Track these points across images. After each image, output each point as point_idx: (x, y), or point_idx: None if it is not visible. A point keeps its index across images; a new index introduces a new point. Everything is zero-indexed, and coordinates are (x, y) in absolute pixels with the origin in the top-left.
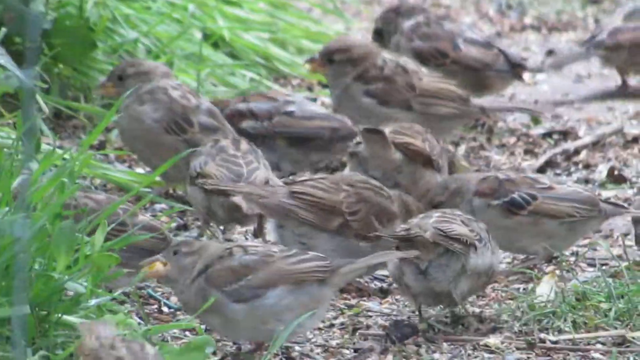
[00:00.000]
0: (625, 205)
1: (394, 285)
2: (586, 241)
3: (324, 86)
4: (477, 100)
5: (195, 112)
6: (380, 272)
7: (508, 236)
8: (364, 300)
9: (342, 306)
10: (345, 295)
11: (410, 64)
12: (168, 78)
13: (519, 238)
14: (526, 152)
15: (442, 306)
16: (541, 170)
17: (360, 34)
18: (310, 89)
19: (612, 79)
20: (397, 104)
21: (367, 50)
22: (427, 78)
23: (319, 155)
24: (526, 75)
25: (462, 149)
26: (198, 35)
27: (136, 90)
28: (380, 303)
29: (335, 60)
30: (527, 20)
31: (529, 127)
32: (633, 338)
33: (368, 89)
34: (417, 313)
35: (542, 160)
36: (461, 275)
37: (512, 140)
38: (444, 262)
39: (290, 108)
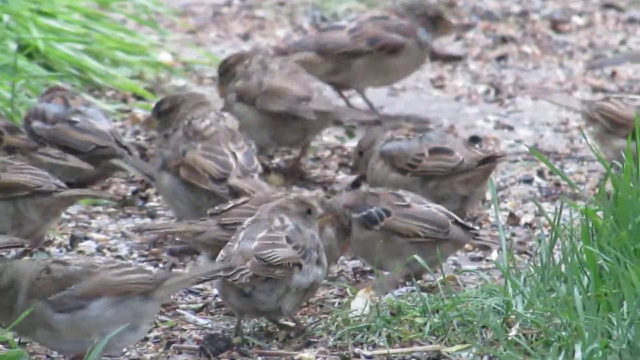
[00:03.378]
0: (476, 230)
1: (217, 298)
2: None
3: (139, 98)
4: (313, 104)
5: None
6: (197, 286)
7: (366, 250)
8: (180, 310)
9: (157, 319)
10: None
11: (274, 63)
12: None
13: (374, 253)
14: (341, 165)
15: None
16: (356, 184)
17: (174, 45)
18: (124, 100)
19: (425, 91)
20: (248, 101)
21: (239, 55)
22: (279, 77)
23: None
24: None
25: (276, 161)
26: (13, 46)
27: None
28: (195, 314)
29: (222, 73)
30: None
31: (343, 140)
32: (448, 353)
33: (233, 86)
34: (232, 327)
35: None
36: (286, 294)
37: (327, 153)
38: (268, 286)
39: (75, 118)
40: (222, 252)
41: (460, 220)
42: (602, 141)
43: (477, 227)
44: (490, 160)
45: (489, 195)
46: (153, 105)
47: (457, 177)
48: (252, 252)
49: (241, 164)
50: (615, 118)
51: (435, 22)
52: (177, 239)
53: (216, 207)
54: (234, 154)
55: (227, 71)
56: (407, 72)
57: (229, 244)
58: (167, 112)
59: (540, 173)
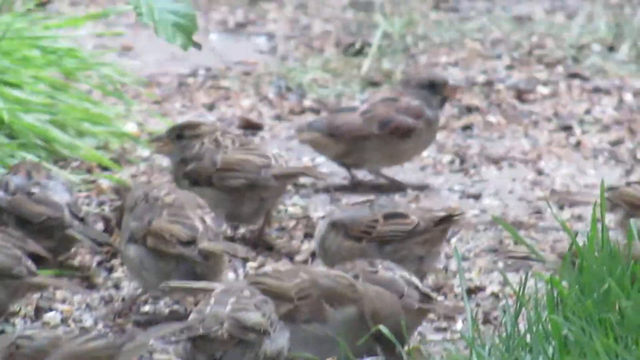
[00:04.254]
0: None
1: None
2: None
3: (104, 169)
4: (274, 170)
5: None
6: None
7: None
8: None
9: None
10: None
11: (227, 138)
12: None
13: None
14: (306, 235)
15: None
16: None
17: (140, 115)
18: (89, 171)
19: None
20: (204, 182)
21: (212, 128)
22: (232, 151)
23: (47, 242)
24: None
25: (241, 231)
26: None
27: None
28: None
29: (185, 136)
30: (307, 102)
31: (306, 209)
32: None
33: (185, 170)
34: None
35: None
36: None
37: (292, 223)
38: (239, 351)
39: (34, 189)
40: (192, 314)
41: (422, 287)
42: (622, 225)
43: (440, 297)
44: (447, 220)
45: (453, 266)
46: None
47: (414, 239)
48: (227, 315)
49: (210, 227)
50: (635, 201)
51: (437, 90)
52: (142, 310)
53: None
54: (201, 218)
55: (191, 139)
56: (417, 153)
57: (199, 307)
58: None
59: (506, 243)
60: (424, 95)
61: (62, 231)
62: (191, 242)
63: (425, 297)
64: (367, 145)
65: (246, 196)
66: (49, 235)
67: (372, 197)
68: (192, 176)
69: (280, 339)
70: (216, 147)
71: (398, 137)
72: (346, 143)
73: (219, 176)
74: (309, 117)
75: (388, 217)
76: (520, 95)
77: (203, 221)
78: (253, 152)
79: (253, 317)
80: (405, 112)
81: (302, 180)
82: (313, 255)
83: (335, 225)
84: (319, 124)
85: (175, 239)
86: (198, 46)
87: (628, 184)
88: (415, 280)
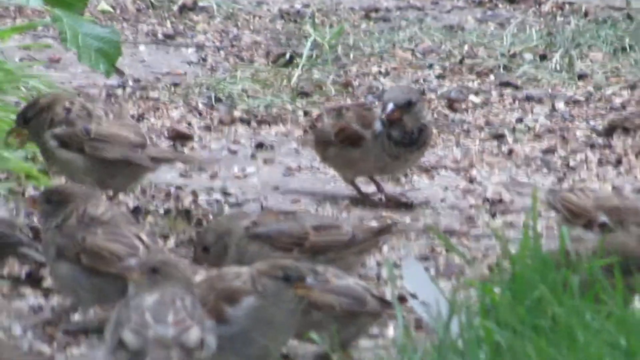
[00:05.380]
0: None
1: None
2: None
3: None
4: (150, 150)
5: None
6: None
7: None
8: None
9: None
10: None
11: (98, 109)
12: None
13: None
14: None
15: None
16: None
17: None
18: (18, 182)
19: (321, 170)
20: (74, 148)
21: (55, 96)
22: (107, 123)
23: None
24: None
25: (171, 242)
26: None
27: None
28: None
29: (30, 118)
30: (237, 113)
31: None
32: None
33: (54, 132)
34: None
35: None
36: None
37: None
38: None
39: None
40: (130, 335)
41: (375, 293)
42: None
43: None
44: (387, 230)
45: (385, 273)
46: None
47: (350, 250)
48: (172, 340)
49: (148, 243)
50: (573, 208)
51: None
52: (72, 319)
53: None
54: (137, 235)
55: (38, 117)
56: (366, 164)
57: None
58: (56, 202)
59: (437, 251)
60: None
61: (13, 249)
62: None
63: (383, 303)
64: (329, 152)
65: (119, 170)
66: None
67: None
68: (62, 139)
69: (212, 342)
70: (88, 115)
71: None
72: (318, 148)
73: (92, 145)
74: (239, 128)
75: (319, 228)
76: (452, 104)
77: (140, 239)
78: (129, 128)
79: (194, 337)
80: (357, 121)
81: None
82: None
83: (258, 237)
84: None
85: (115, 257)
86: (121, 73)
87: (570, 189)
88: (367, 285)
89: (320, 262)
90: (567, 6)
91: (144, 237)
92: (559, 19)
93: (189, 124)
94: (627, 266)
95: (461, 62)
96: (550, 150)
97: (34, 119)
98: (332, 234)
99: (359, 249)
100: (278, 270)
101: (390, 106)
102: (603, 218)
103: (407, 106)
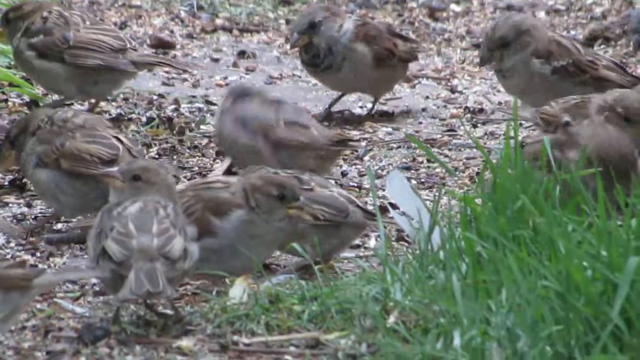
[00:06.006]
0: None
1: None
2: None
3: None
4: (132, 54)
5: None
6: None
7: None
8: (57, 299)
9: (34, 308)
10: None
11: (75, 16)
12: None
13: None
14: (218, 153)
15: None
16: (230, 171)
17: None
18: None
19: (303, 79)
20: (53, 57)
21: (39, 4)
22: (85, 30)
23: None
24: None
25: (154, 150)
26: None
27: None
28: (72, 303)
29: (10, 19)
30: (219, 21)
31: None
32: (326, 340)
33: (30, 42)
34: (110, 315)
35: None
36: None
37: (204, 141)
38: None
39: None
40: (113, 245)
41: (360, 204)
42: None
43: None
44: (344, 142)
45: (367, 183)
46: None
47: (311, 153)
48: (156, 250)
49: (128, 145)
50: (546, 117)
51: None
52: (55, 227)
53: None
54: (116, 137)
55: (17, 21)
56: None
57: (121, 237)
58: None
59: (419, 161)
60: None
61: None
62: (113, 161)
63: (367, 214)
64: None
65: (100, 77)
66: None
67: None
68: (40, 49)
69: (195, 253)
70: (65, 23)
71: None
72: None
73: (72, 53)
74: (222, 37)
75: (289, 124)
76: (433, 13)
77: (120, 140)
78: (108, 34)
79: (178, 248)
80: None
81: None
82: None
83: (237, 119)
84: None
85: (96, 159)
86: None
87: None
88: (351, 196)
89: (282, 157)
90: None
91: (124, 139)
92: None
93: (171, 32)
94: (607, 174)
95: None
96: None
97: (12, 22)
98: (299, 132)
99: (317, 154)
100: (273, 188)
101: (294, 36)
102: (566, 118)
103: (310, 29)
